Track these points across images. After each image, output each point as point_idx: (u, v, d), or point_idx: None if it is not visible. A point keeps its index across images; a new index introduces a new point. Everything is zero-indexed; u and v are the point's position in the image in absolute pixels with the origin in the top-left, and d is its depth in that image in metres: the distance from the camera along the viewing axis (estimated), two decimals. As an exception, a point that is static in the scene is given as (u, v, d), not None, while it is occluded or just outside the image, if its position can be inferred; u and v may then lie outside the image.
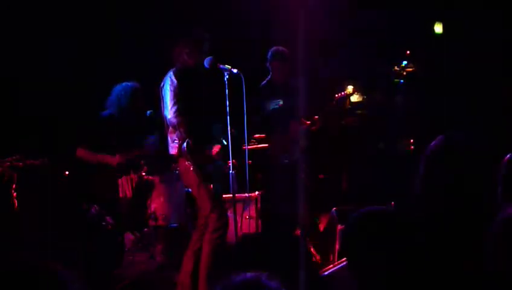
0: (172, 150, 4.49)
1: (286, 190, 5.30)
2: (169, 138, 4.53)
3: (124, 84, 5.55)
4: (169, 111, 4.41)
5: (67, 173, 4.49)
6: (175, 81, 4.41)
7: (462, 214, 2.13)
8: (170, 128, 4.49)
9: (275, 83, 5.80)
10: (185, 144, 4.35)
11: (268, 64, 5.80)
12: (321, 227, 5.93)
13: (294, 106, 5.54)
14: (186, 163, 4.40)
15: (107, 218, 5.05)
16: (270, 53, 5.78)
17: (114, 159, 5.28)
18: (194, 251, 4.51)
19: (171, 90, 4.41)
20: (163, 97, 4.49)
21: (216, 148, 4.47)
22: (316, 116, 5.68)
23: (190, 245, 4.57)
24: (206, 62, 4.34)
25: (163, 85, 4.49)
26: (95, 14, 6.24)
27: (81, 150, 5.26)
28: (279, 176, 5.63)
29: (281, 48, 5.75)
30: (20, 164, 4.36)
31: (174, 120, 4.39)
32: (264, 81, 5.85)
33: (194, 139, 4.38)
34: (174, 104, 4.38)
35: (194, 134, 4.40)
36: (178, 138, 4.41)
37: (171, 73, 4.47)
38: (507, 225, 1.79)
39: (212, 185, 4.49)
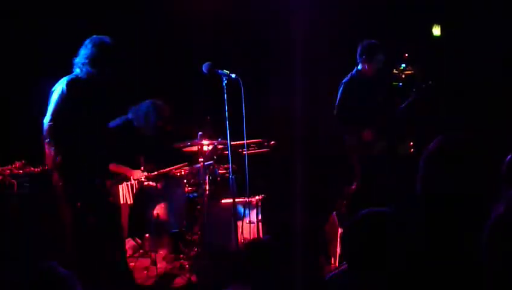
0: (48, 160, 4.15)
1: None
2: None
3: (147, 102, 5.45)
4: (47, 118, 4.10)
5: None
6: (65, 91, 4.12)
7: (462, 215, 2.13)
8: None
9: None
10: (58, 157, 4.06)
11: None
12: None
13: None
14: (58, 177, 4.07)
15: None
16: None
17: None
18: None
19: (58, 99, 4.11)
20: (50, 102, 4.16)
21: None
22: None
23: None
24: (204, 67, 4.17)
25: (54, 90, 4.18)
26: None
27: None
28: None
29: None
30: (20, 171, 4.36)
31: (46, 131, 4.08)
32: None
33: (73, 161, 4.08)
34: (55, 115, 4.08)
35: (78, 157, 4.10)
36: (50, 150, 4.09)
37: (65, 81, 4.17)
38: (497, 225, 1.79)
39: (90, 217, 4.21)
